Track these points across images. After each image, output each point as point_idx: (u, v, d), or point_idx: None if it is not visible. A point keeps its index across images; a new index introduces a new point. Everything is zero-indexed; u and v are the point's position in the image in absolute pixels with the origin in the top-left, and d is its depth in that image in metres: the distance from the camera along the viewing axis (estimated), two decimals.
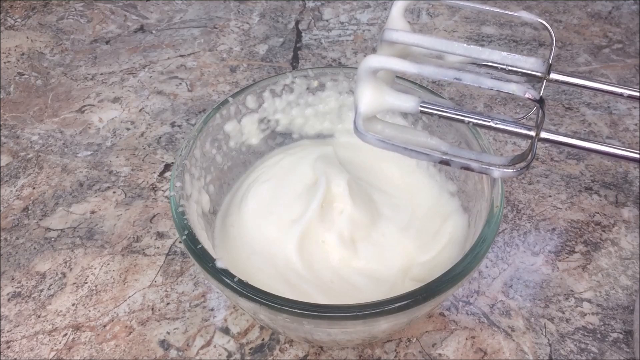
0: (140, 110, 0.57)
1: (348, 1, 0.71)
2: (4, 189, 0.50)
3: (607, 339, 0.39)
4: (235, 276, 0.31)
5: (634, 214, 0.46)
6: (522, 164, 0.29)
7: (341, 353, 0.39)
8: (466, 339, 0.39)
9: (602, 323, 0.40)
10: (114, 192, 0.49)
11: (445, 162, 0.29)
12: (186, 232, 0.33)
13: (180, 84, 0.60)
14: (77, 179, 0.51)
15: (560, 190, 0.48)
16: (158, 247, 0.45)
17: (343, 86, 0.43)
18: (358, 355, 0.38)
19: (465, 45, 0.28)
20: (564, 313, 0.41)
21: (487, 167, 0.29)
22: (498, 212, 0.33)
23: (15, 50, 0.65)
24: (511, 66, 0.28)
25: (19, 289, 0.43)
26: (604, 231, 0.45)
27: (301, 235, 0.38)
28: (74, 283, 0.43)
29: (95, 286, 0.43)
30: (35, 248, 0.46)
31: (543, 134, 0.28)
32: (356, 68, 0.30)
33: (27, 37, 0.67)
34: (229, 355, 0.39)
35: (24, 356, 0.39)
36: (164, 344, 0.39)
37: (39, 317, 0.41)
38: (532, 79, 0.29)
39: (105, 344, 0.40)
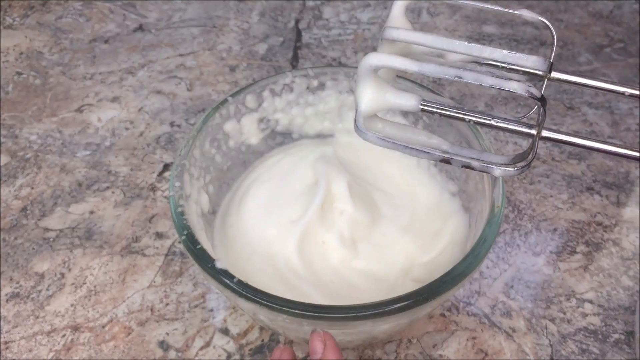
0: (139, 110, 0.57)
1: (348, 0, 0.71)
2: (3, 189, 0.50)
3: (608, 340, 0.39)
4: (234, 276, 0.30)
5: (636, 214, 0.46)
6: (523, 163, 0.28)
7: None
8: (467, 339, 0.39)
9: (603, 324, 0.40)
10: (113, 192, 0.49)
11: (446, 161, 0.29)
12: (185, 232, 0.33)
13: (180, 83, 0.60)
14: (75, 178, 0.51)
15: (561, 190, 0.48)
16: (157, 248, 0.45)
17: (343, 85, 0.43)
18: (358, 356, 0.38)
19: (466, 43, 0.27)
20: (565, 314, 0.40)
21: (488, 165, 0.29)
22: (499, 213, 0.33)
23: (13, 49, 0.65)
24: (512, 64, 0.28)
25: (18, 290, 0.43)
26: (605, 231, 0.45)
27: (301, 235, 0.38)
28: (73, 283, 0.43)
29: (94, 287, 0.43)
30: (33, 248, 0.45)
31: (544, 133, 0.28)
32: (356, 67, 0.30)
33: (26, 37, 0.66)
34: (229, 356, 0.38)
35: (22, 357, 0.39)
36: (163, 345, 0.39)
37: (37, 317, 0.41)
38: (533, 78, 0.29)
39: (104, 344, 0.39)
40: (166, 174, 0.51)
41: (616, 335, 0.39)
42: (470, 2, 0.31)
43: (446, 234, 0.39)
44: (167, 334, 0.40)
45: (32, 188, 0.50)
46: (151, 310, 0.41)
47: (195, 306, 0.41)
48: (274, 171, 0.43)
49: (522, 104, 0.56)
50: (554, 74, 0.28)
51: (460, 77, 0.27)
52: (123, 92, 0.59)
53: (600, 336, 0.39)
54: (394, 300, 0.29)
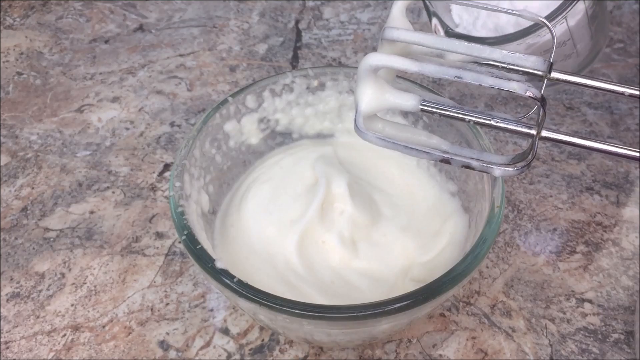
0: (139, 110, 0.57)
1: (348, 0, 0.71)
2: (3, 189, 0.50)
3: (608, 340, 0.39)
4: (234, 276, 0.30)
5: (635, 214, 0.46)
6: (523, 163, 0.28)
7: (341, 354, 0.38)
8: (467, 339, 0.39)
9: (603, 324, 0.40)
10: (113, 192, 0.49)
11: (446, 161, 0.29)
12: (185, 232, 0.33)
13: (180, 83, 0.60)
14: (76, 179, 0.51)
15: (561, 190, 0.48)
16: (157, 248, 0.45)
17: (343, 86, 0.43)
18: (358, 356, 0.38)
19: (466, 43, 0.27)
20: (565, 313, 0.40)
21: (488, 165, 0.29)
22: (499, 212, 0.33)
23: (14, 49, 0.65)
24: (512, 65, 0.28)
25: (18, 290, 0.43)
26: (605, 231, 0.45)
27: (301, 235, 0.38)
28: (73, 283, 0.43)
29: (94, 286, 0.43)
30: (34, 248, 0.45)
31: (544, 133, 0.28)
32: (356, 67, 0.30)
33: (26, 37, 0.66)
34: (229, 355, 0.39)
35: (22, 357, 0.39)
36: (163, 345, 0.39)
37: (37, 317, 0.41)
38: (533, 78, 0.29)
39: (105, 344, 0.39)
40: (166, 174, 0.51)
41: (616, 335, 0.39)
42: (471, 3, 0.31)
43: (446, 233, 0.39)
44: (167, 333, 0.40)
45: (33, 188, 0.50)
46: (151, 310, 0.41)
47: (196, 306, 0.41)
48: (274, 171, 0.43)
49: (522, 104, 0.56)
50: (554, 74, 0.28)
51: (460, 77, 0.27)
52: (123, 92, 0.59)
53: (599, 336, 0.39)
54: (393, 300, 0.29)
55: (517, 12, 0.30)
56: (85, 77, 0.61)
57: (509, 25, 0.43)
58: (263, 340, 0.39)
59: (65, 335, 0.40)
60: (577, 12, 0.40)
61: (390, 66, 0.28)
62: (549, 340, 0.39)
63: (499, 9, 0.30)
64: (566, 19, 0.38)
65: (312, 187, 0.40)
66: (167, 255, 0.44)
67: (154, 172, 0.51)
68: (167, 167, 0.52)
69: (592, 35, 0.43)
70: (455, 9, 0.44)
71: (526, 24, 0.40)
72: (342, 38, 0.65)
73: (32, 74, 0.62)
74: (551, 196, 0.48)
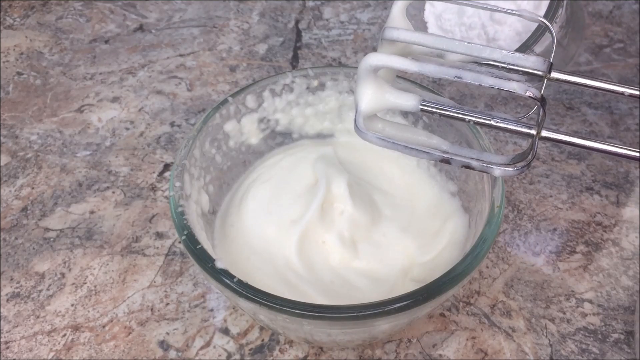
0: (139, 110, 0.57)
1: (348, 0, 0.71)
2: (3, 189, 0.50)
3: (608, 340, 0.39)
4: (234, 276, 0.30)
5: (635, 214, 0.46)
6: (523, 163, 0.28)
7: (341, 354, 0.38)
8: (467, 339, 0.39)
9: (603, 324, 0.40)
10: (113, 192, 0.49)
11: (446, 161, 0.29)
12: (185, 232, 0.33)
13: (180, 83, 0.60)
14: (76, 178, 0.51)
15: (561, 190, 0.48)
16: (157, 248, 0.45)
17: (343, 86, 0.43)
18: (358, 356, 0.38)
19: (466, 43, 0.27)
20: (564, 313, 0.40)
21: (488, 165, 0.29)
22: (499, 212, 0.33)
23: (14, 49, 0.65)
24: (512, 65, 0.28)
25: (18, 290, 0.43)
26: (605, 231, 0.45)
27: (301, 235, 0.38)
28: (73, 283, 0.43)
29: (95, 286, 0.43)
30: (34, 248, 0.45)
31: (544, 133, 0.28)
32: (356, 67, 0.30)
33: (26, 37, 0.66)
34: (229, 355, 0.39)
35: (23, 357, 0.39)
36: (164, 345, 0.39)
37: (38, 317, 0.41)
38: (532, 78, 0.29)
39: (105, 344, 0.39)
40: (166, 174, 0.51)
41: (616, 335, 0.39)
42: (470, 3, 0.31)
43: (446, 234, 0.39)
44: (168, 333, 0.40)
45: (33, 188, 0.50)
46: (151, 310, 0.41)
47: (196, 306, 0.41)
48: (274, 171, 0.43)
49: (522, 104, 0.56)
50: (554, 74, 0.28)
51: (460, 77, 0.27)
52: (123, 92, 0.59)
53: (599, 336, 0.39)
54: (393, 300, 0.29)
55: (517, 12, 0.30)
56: (85, 77, 0.61)
57: None
58: (263, 340, 0.39)
59: (65, 335, 0.40)
60: (545, 39, 0.40)
61: (390, 66, 0.28)
62: (549, 340, 0.39)
63: (497, 9, 0.30)
64: (533, 50, 0.38)
65: (312, 187, 0.40)
66: (167, 255, 0.44)
67: (154, 172, 0.51)
68: (167, 167, 0.52)
69: (565, 47, 0.43)
70: (431, 27, 0.45)
71: None
72: (342, 38, 0.65)
73: (32, 74, 0.62)
74: (551, 196, 0.48)
